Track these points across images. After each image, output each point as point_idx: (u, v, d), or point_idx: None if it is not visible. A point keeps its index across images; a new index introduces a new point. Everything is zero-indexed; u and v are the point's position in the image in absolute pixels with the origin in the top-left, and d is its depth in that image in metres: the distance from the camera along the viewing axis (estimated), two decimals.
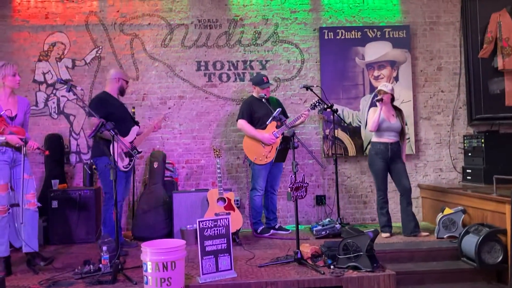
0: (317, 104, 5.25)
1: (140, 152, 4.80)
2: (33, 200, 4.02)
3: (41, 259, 4.04)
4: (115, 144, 4.48)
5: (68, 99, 5.71)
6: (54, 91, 5.71)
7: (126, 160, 4.68)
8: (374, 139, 5.01)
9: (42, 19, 5.73)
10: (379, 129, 4.89)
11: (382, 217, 5.00)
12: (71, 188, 5.34)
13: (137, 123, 4.90)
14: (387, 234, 4.94)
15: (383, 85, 4.95)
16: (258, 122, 5.22)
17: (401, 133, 5.00)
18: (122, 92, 4.87)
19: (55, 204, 5.09)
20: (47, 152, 4.19)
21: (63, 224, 5.08)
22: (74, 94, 4.07)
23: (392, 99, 4.98)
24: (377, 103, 4.86)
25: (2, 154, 3.88)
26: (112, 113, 4.49)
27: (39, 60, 5.71)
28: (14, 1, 5.69)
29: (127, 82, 4.93)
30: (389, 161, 4.93)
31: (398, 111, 5.04)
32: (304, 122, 5.37)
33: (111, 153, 4.06)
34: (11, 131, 3.86)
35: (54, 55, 5.74)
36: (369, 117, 5.00)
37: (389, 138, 4.92)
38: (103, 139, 4.50)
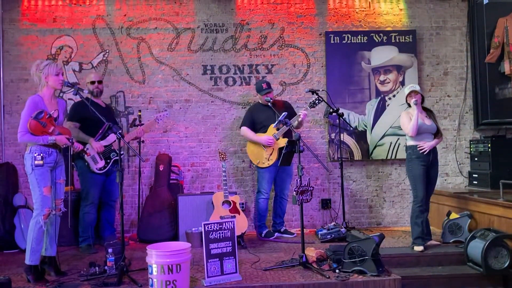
0: (317, 102, 5.16)
1: (121, 155, 4.75)
2: (60, 206, 3.93)
3: (54, 270, 3.90)
4: (90, 147, 4.71)
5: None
6: (61, 94, 5.75)
7: (101, 162, 4.75)
8: (413, 142, 4.61)
9: (49, 22, 5.78)
10: (417, 132, 4.59)
11: (416, 228, 4.53)
12: (77, 190, 5.35)
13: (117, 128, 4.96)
14: (421, 248, 4.47)
15: (412, 86, 4.68)
16: (260, 128, 5.25)
17: (437, 133, 4.68)
18: (92, 93, 4.94)
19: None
20: (89, 154, 4.21)
21: (70, 226, 5.08)
22: (81, 97, 4.11)
23: (422, 100, 4.69)
24: (414, 106, 4.54)
25: (48, 156, 3.77)
26: (87, 118, 4.61)
27: None
28: (22, 5, 5.75)
29: (91, 83, 4.95)
30: (430, 165, 4.61)
31: (429, 112, 4.77)
32: (304, 120, 5.18)
33: (97, 156, 4.29)
34: (59, 132, 3.79)
35: (61, 58, 5.78)
36: (405, 122, 4.65)
37: (428, 140, 4.60)
38: (80, 142, 4.59)
